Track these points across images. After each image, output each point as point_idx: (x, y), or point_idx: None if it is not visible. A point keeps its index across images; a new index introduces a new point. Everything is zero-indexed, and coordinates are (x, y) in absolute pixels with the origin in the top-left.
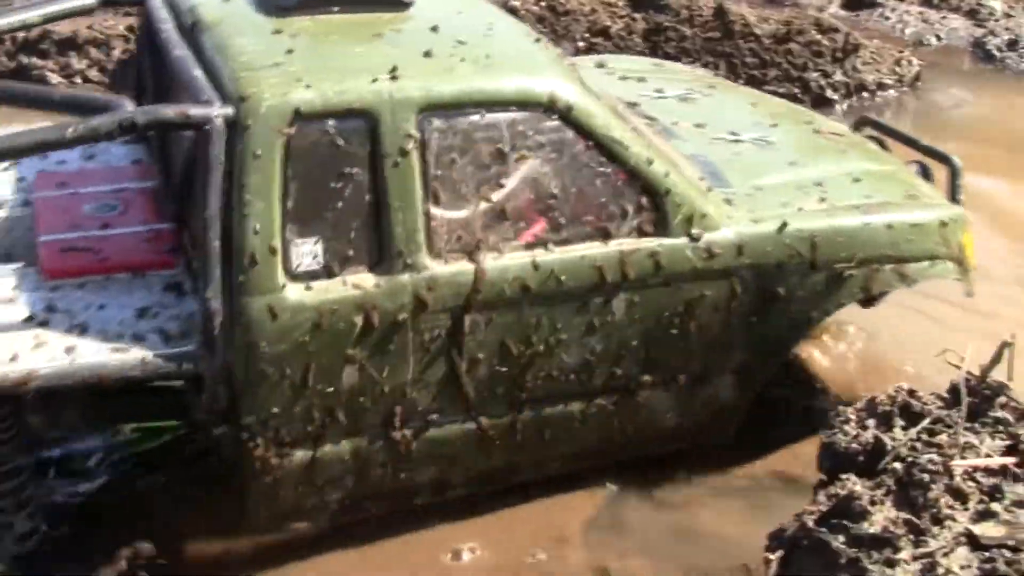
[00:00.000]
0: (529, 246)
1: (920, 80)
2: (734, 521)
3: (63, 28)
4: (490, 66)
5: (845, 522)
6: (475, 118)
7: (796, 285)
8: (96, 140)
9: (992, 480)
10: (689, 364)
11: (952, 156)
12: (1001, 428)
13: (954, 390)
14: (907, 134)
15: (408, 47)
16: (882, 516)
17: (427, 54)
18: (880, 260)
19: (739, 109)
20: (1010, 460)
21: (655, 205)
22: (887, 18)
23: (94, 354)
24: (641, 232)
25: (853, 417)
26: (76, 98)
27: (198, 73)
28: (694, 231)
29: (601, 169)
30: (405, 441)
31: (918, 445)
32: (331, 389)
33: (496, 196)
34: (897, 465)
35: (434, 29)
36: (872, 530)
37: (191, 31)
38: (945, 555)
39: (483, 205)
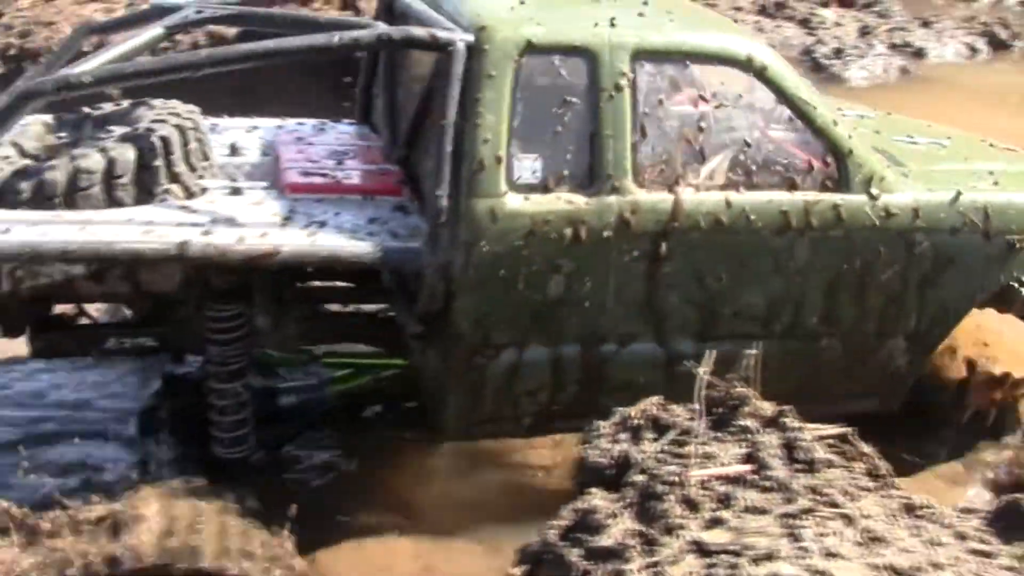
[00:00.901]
0: (723, 187)
1: None
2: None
3: None
4: (695, 26)
5: (583, 536)
6: (681, 67)
7: (969, 253)
8: (358, 49)
9: (727, 488)
10: (865, 322)
11: None
12: (746, 437)
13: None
14: None
15: (624, 9)
16: (619, 529)
17: (641, 15)
18: None
19: (914, 126)
20: (745, 468)
21: (838, 163)
22: None
23: (332, 240)
24: (824, 187)
25: (608, 431)
26: (340, 22)
27: (441, 16)
28: (873, 190)
29: (790, 125)
30: (601, 359)
31: (668, 457)
32: (538, 296)
33: (696, 137)
34: (640, 478)
35: (645, 2)
36: (606, 543)
37: None
38: (672, 563)
39: (684, 144)
